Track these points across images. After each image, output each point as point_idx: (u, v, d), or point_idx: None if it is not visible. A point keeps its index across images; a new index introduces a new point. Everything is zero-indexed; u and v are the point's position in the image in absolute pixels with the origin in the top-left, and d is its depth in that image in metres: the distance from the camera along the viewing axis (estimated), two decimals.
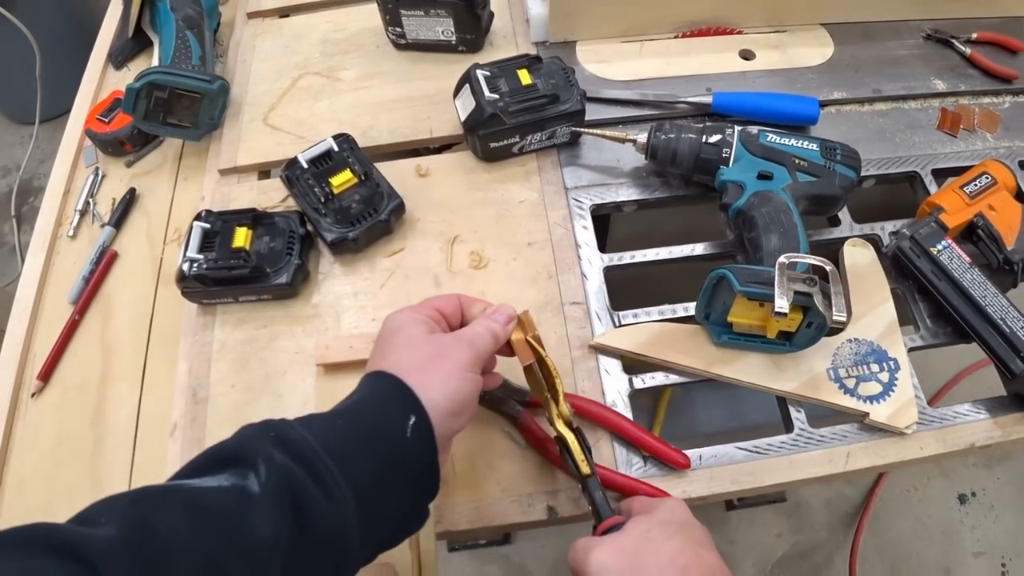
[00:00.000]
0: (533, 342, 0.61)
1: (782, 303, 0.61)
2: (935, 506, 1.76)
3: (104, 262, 0.85)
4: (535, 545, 1.67)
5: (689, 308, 0.75)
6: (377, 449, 0.47)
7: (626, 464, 0.68)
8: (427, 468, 0.50)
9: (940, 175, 0.88)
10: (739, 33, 0.98)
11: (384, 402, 0.50)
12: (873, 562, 1.66)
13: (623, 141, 0.81)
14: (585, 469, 0.59)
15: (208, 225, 0.76)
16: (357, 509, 0.45)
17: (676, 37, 0.97)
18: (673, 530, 0.50)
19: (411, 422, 0.48)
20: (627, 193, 0.84)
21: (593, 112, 0.86)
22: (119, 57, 1.07)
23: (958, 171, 0.87)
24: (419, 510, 0.52)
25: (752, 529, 1.71)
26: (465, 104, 0.81)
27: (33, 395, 0.78)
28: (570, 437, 0.60)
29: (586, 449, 0.60)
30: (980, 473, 1.79)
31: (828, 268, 0.64)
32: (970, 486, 1.78)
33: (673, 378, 0.73)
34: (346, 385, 0.55)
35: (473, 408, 0.55)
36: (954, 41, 0.98)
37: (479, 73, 0.80)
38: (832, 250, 0.81)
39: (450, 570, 1.65)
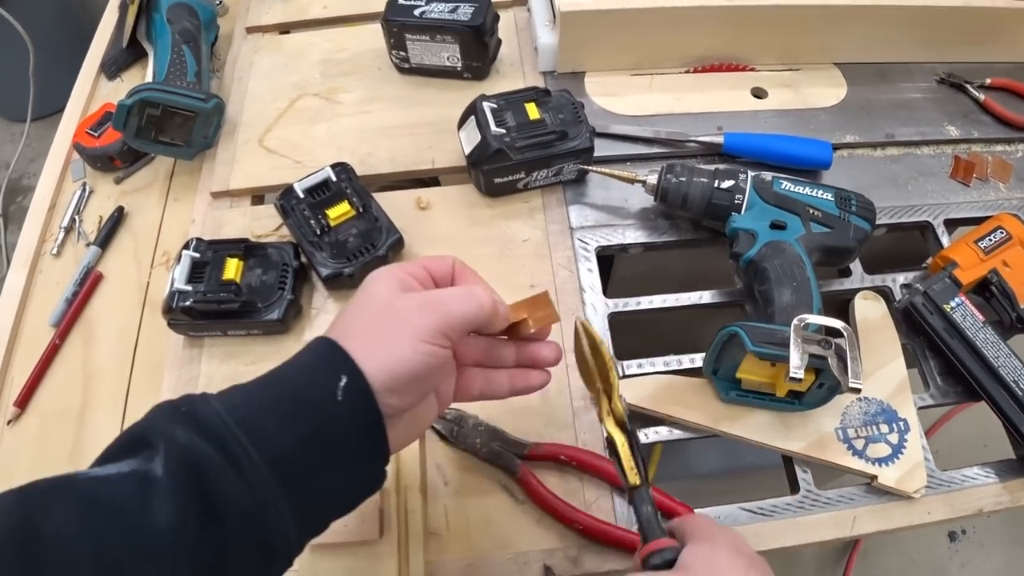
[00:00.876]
0: (587, 326, 0.54)
1: (797, 368, 0.59)
2: (925, 543, 1.75)
3: (88, 284, 0.82)
4: None
5: (696, 359, 0.73)
6: (300, 417, 0.41)
7: (627, 520, 0.65)
8: (367, 432, 0.43)
9: (952, 224, 0.87)
10: (751, 70, 0.96)
11: (314, 366, 0.44)
12: None
13: (632, 182, 0.79)
14: (633, 479, 0.51)
15: (198, 255, 0.73)
16: (281, 485, 0.40)
17: (687, 72, 0.95)
18: (747, 562, 0.44)
19: (341, 384, 0.42)
20: (634, 235, 0.81)
21: (601, 148, 0.83)
22: (112, 67, 1.03)
23: (971, 221, 0.85)
24: (368, 478, 0.46)
25: None
26: (470, 137, 0.78)
27: (9, 422, 0.75)
28: (620, 440, 0.52)
29: (638, 455, 0.52)
30: None
31: (844, 331, 0.62)
32: (960, 524, 1.77)
33: (678, 433, 0.70)
34: None
35: (426, 387, 0.47)
36: (967, 86, 0.96)
37: (486, 105, 0.78)
38: (842, 300, 0.79)
39: None
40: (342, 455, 0.43)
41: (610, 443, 0.53)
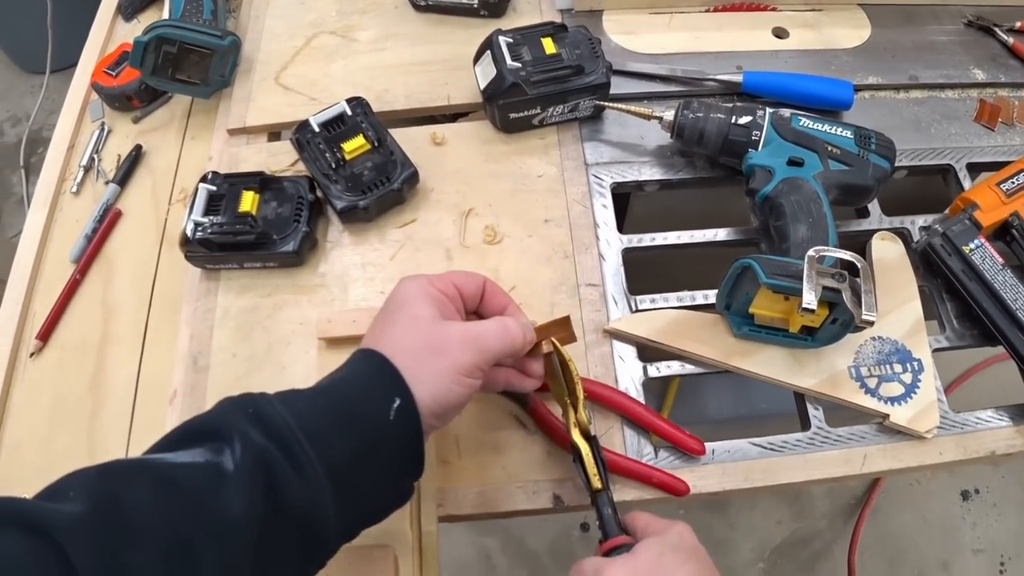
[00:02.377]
0: (557, 343, 0.58)
1: (810, 299, 0.59)
2: (937, 501, 1.75)
3: (107, 221, 0.83)
4: (535, 519, 1.67)
5: (709, 296, 0.73)
6: (356, 430, 0.46)
7: (636, 452, 0.66)
8: (410, 451, 0.49)
9: (975, 169, 0.85)
10: (772, 10, 0.94)
11: (370, 382, 0.48)
12: (872, 553, 1.66)
13: (648, 118, 0.78)
14: (596, 484, 0.57)
15: (214, 188, 0.74)
16: (333, 490, 0.44)
17: (707, 11, 0.93)
18: (685, 556, 0.49)
19: (395, 405, 0.47)
20: (650, 172, 0.81)
21: (617, 85, 0.82)
22: (129, 8, 1.03)
23: (994, 166, 0.83)
24: (402, 491, 0.51)
25: (752, 514, 1.70)
26: (485, 71, 0.77)
27: (32, 355, 0.76)
28: (585, 449, 0.58)
29: (600, 463, 0.58)
30: (985, 471, 1.78)
31: (859, 264, 0.61)
32: (974, 483, 1.77)
33: (689, 368, 0.71)
34: None
35: (460, 410, 0.52)
36: (996, 29, 0.94)
37: (501, 40, 0.77)
38: (859, 242, 0.78)
39: (448, 542, 1.65)
40: (387, 468, 0.48)
41: (575, 451, 0.58)
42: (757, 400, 1.15)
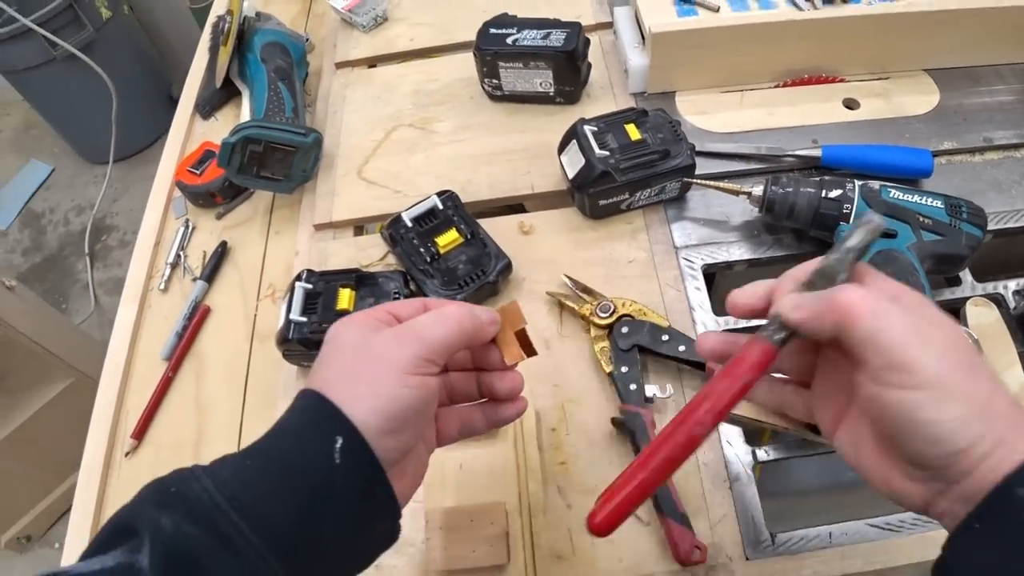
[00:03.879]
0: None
1: None
2: None
3: (197, 317, 0.84)
4: None
5: None
6: (296, 487, 0.38)
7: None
8: (372, 492, 0.41)
9: None
10: (841, 81, 0.95)
11: (304, 428, 0.41)
12: None
13: (738, 194, 0.78)
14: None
15: (311, 286, 0.75)
16: (281, 559, 0.37)
17: (776, 86, 0.95)
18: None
19: (338, 445, 0.39)
20: (738, 251, 0.81)
21: (697, 166, 0.83)
22: (206, 107, 1.07)
23: None
24: (378, 534, 0.44)
25: None
26: (573, 161, 0.79)
27: (127, 454, 0.77)
28: None
29: None
30: None
31: (970, 337, 0.60)
32: None
33: (796, 450, 0.69)
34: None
35: (421, 422, 0.44)
36: None
37: (587, 129, 0.79)
38: (952, 310, 0.77)
39: None
40: (346, 519, 0.40)
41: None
42: (844, 468, 1.12)
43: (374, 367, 0.42)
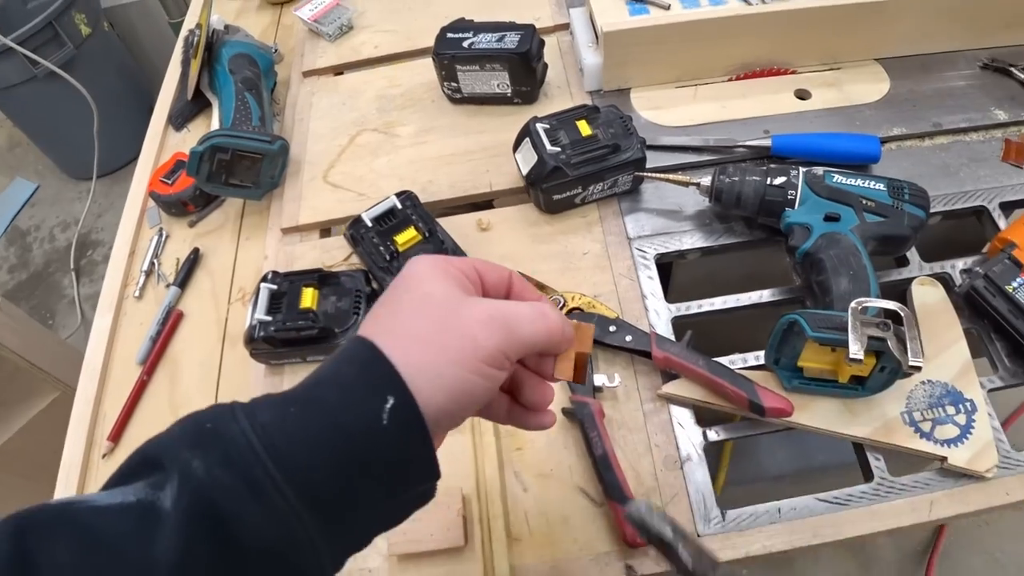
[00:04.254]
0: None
1: (856, 349, 0.60)
2: (1009, 540, 1.69)
3: (170, 322, 0.87)
4: None
5: (760, 357, 0.74)
6: (338, 445, 0.36)
7: (704, 517, 0.66)
8: (416, 460, 0.39)
9: (1008, 208, 0.86)
10: (793, 73, 0.97)
11: (355, 381, 0.38)
12: None
13: (687, 185, 0.81)
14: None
15: (275, 286, 0.77)
16: (315, 517, 0.36)
17: (730, 80, 0.97)
18: None
19: (388, 405, 0.37)
20: (691, 240, 0.83)
21: (651, 159, 0.85)
22: (179, 119, 1.09)
23: None
24: (417, 496, 0.42)
25: (817, 570, 1.66)
26: (526, 158, 0.81)
27: (104, 456, 0.79)
28: None
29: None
30: None
31: (903, 312, 0.63)
32: None
33: (746, 430, 0.71)
34: None
35: (479, 407, 0.42)
36: (1012, 69, 0.96)
37: (539, 126, 0.81)
38: (901, 290, 0.80)
39: None
40: (387, 483, 0.38)
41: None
42: (814, 452, 1.15)
43: (459, 342, 0.39)
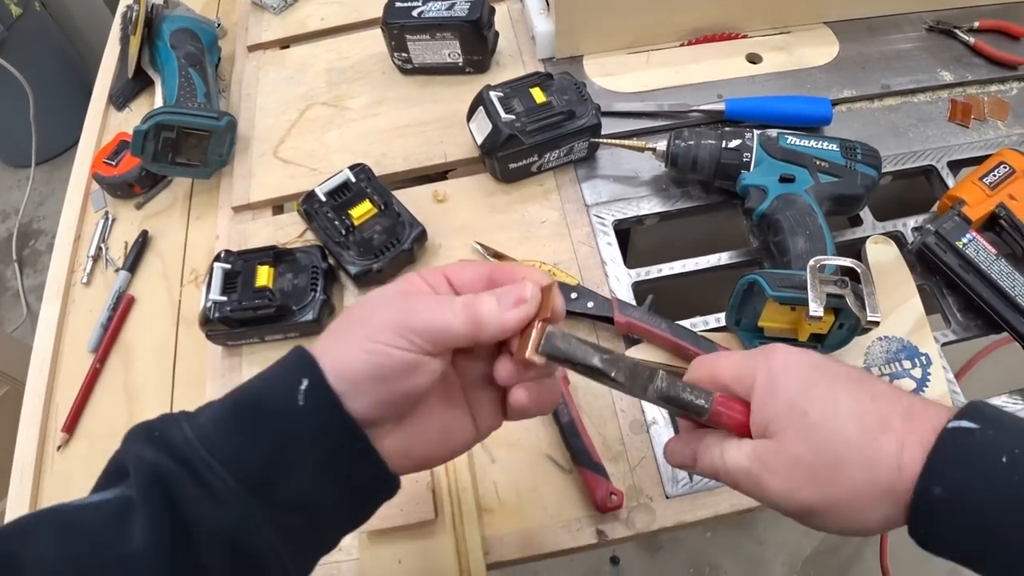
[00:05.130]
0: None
1: (816, 307, 0.61)
2: None
3: (121, 308, 0.84)
4: (563, 560, 1.66)
5: (720, 319, 0.75)
6: (262, 427, 0.39)
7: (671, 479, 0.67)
8: (339, 432, 0.40)
9: (956, 166, 0.88)
10: (744, 37, 0.97)
11: (275, 371, 0.41)
12: (904, 553, 1.65)
13: (642, 150, 0.81)
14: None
15: (229, 265, 0.75)
16: (255, 498, 0.38)
17: (682, 45, 0.97)
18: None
19: (303, 387, 0.39)
20: (648, 206, 0.83)
21: (606, 126, 0.85)
22: (120, 98, 1.06)
23: (973, 161, 0.87)
24: (364, 482, 0.43)
25: (779, 528, 1.70)
26: (481, 127, 0.80)
27: (59, 448, 0.77)
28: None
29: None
30: None
31: (859, 269, 0.64)
32: None
33: None
34: None
35: (391, 392, 0.40)
36: (957, 31, 0.97)
37: (493, 95, 0.80)
38: (855, 249, 0.81)
39: None
40: (319, 465, 0.40)
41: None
42: None
43: (354, 328, 0.42)
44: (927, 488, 0.38)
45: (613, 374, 0.44)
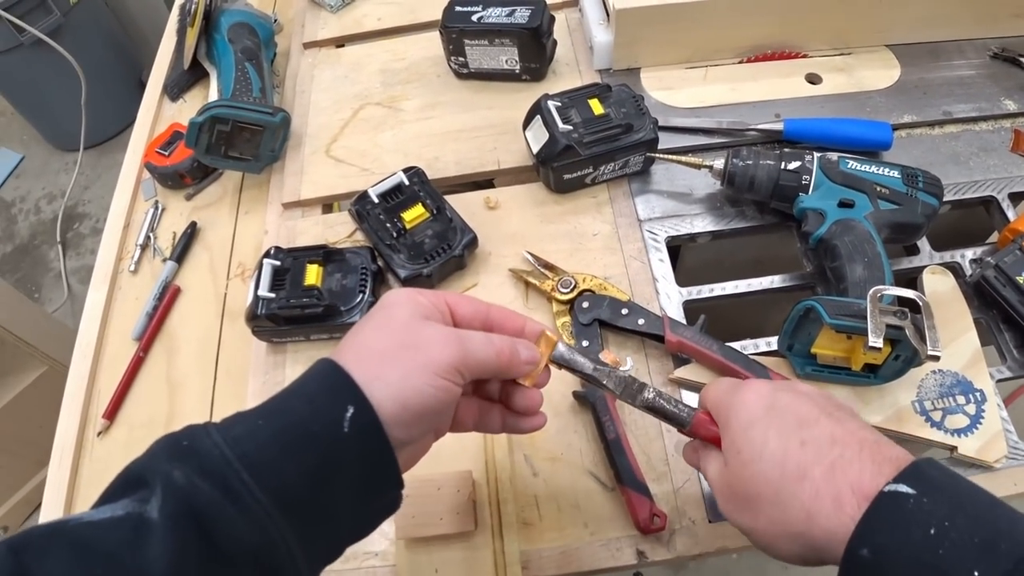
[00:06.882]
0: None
1: (875, 338, 0.59)
2: None
3: (167, 297, 0.85)
4: None
5: (770, 343, 0.73)
6: (305, 450, 0.40)
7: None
8: (378, 464, 0.42)
9: (1017, 198, 0.86)
10: (804, 57, 0.96)
11: (318, 392, 0.42)
12: None
13: (699, 167, 0.80)
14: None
15: (278, 262, 0.75)
16: (287, 519, 0.39)
17: (741, 62, 0.96)
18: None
19: (348, 414, 0.40)
20: (702, 223, 0.82)
21: (661, 141, 0.84)
22: (175, 89, 1.07)
23: None
24: (381, 505, 0.46)
25: None
26: (537, 136, 0.80)
27: (99, 433, 0.77)
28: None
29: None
30: None
31: (921, 301, 0.62)
32: None
33: None
34: None
35: (438, 423, 0.47)
36: (1021, 59, 0.95)
37: (551, 104, 0.79)
38: (909, 279, 0.79)
39: None
40: (352, 487, 0.42)
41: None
42: None
43: (412, 356, 0.43)
44: (856, 548, 0.40)
45: (604, 382, 0.53)
